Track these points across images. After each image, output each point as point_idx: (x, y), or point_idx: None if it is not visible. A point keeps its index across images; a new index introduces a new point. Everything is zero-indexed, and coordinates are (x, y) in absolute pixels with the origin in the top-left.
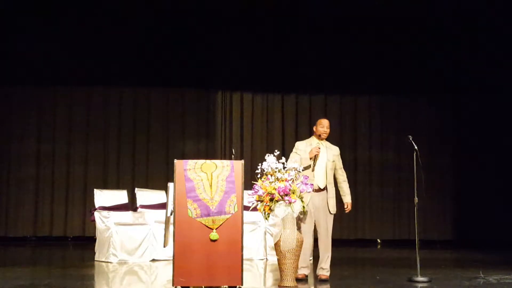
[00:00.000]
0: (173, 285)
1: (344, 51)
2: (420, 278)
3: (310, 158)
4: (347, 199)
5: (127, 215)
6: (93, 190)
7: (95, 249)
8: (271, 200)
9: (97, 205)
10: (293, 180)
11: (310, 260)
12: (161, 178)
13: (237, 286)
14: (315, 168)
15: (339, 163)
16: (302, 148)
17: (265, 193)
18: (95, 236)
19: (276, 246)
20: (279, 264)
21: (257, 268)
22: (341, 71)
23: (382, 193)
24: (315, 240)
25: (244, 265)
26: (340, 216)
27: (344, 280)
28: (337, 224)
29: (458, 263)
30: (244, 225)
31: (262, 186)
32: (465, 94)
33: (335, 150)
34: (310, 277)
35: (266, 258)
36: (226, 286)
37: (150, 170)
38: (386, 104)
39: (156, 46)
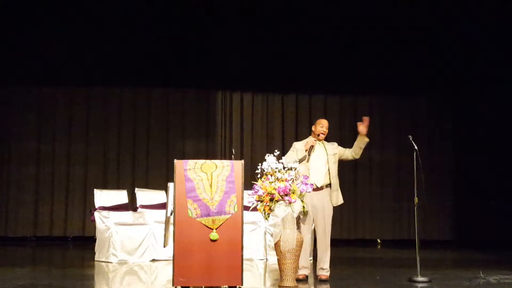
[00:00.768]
0: (173, 285)
1: (344, 51)
2: (420, 278)
3: (306, 150)
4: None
5: (127, 215)
6: (93, 190)
7: (95, 249)
8: (271, 200)
9: (97, 205)
10: (293, 180)
11: (310, 260)
12: (161, 178)
13: (237, 286)
14: (311, 165)
15: (343, 149)
16: (299, 148)
17: (265, 193)
18: (95, 236)
19: (276, 246)
20: (279, 264)
21: (257, 268)
22: (341, 71)
23: (382, 193)
24: (314, 240)
25: (244, 265)
26: (340, 216)
27: (344, 280)
28: (337, 224)
29: (458, 263)
30: (244, 225)
31: (262, 186)
32: (465, 94)
33: (333, 144)
34: (310, 277)
35: (266, 258)
36: (226, 286)
37: (150, 170)
38: (386, 104)
39: (156, 46)
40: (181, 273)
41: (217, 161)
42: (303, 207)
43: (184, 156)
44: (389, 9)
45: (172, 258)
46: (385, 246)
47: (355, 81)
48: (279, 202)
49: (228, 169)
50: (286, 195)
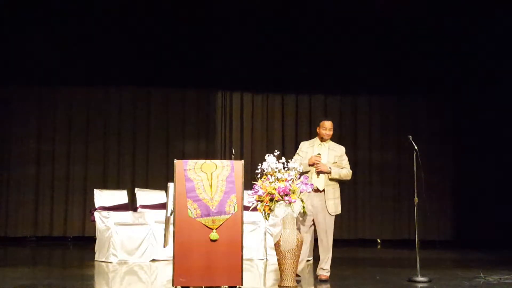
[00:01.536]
0: (173, 285)
1: (344, 51)
2: (420, 278)
3: (309, 165)
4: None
5: (127, 215)
6: (93, 190)
7: (95, 249)
8: (271, 200)
9: (97, 205)
10: (293, 180)
11: (309, 260)
12: (161, 178)
13: (237, 286)
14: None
15: (343, 163)
16: (305, 150)
17: (265, 193)
18: (95, 236)
19: (276, 246)
20: (279, 264)
21: (257, 268)
22: (341, 71)
23: (382, 193)
24: (315, 240)
25: (244, 265)
26: (340, 216)
27: (344, 280)
28: (337, 224)
29: (458, 263)
30: (244, 225)
31: (262, 186)
32: (465, 94)
33: (339, 150)
34: (310, 277)
35: (266, 258)
36: (226, 286)
37: (150, 170)
38: (386, 104)
39: (156, 46)
40: (181, 273)
41: (217, 161)
42: (303, 207)
43: (184, 156)
44: (389, 9)
45: (172, 258)
46: (385, 246)
47: (355, 81)
48: (279, 202)
49: (228, 169)
50: (286, 195)
